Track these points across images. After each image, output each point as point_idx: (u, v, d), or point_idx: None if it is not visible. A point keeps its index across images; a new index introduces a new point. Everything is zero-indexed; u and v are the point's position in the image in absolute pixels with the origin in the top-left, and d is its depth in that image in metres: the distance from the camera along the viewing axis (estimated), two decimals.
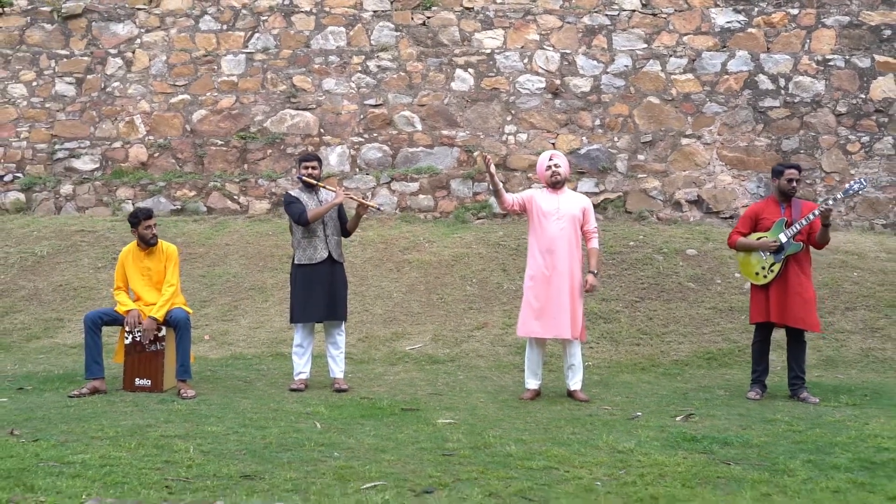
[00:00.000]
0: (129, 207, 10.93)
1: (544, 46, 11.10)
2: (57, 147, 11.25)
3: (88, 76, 11.31)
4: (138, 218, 6.42)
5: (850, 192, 6.54)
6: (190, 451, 4.45)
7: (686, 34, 11.00)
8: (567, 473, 4.17)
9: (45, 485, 3.76)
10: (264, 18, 11.29)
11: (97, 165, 11.23)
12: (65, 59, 11.35)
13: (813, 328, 6.44)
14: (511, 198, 6.45)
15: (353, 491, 3.79)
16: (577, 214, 6.36)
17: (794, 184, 6.51)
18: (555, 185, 6.39)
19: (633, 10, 11.07)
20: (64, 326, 8.47)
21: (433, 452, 4.55)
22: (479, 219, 10.74)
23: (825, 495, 3.87)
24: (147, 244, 6.46)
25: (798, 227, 6.35)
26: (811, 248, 6.52)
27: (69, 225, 10.49)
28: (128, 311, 6.37)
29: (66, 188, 11.11)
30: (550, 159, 6.44)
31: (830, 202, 6.36)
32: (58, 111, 11.30)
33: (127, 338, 6.37)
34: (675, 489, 3.92)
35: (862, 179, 6.64)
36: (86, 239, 10.12)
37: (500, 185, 6.41)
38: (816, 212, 6.32)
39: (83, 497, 3.58)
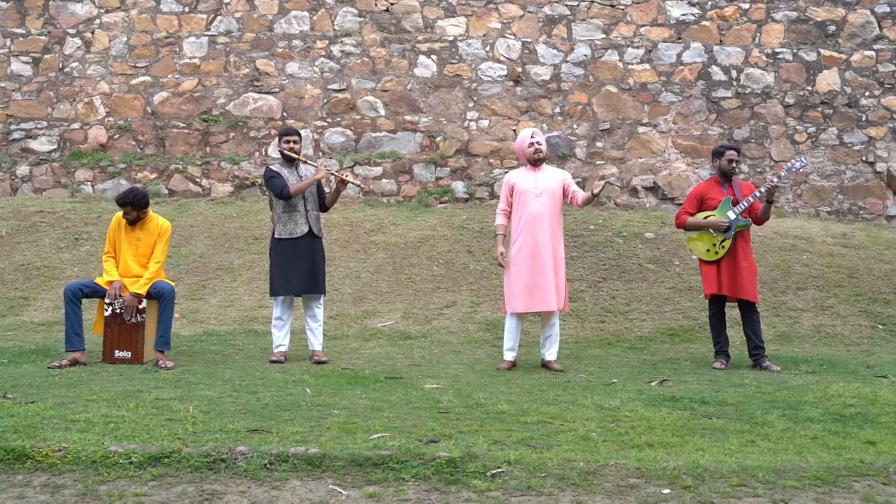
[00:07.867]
0: (88, 189, 10.81)
1: (506, 35, 11.30)
2: (13, 127, 11.04)
3: (45, 56, 11.13)
4: (119, 205, 6.41)
5: (793, 169, 6.88)
6: (190, 410, 4.51)
7: (643, 26, 11.33)
8: (562, 426, 4.36)
9: (57, 437, 3.80)
10: (227, 1, 11.25)
11: (55, 147, 11.06)
12: (21, 38, 11.15)
13: (755, 299, 6.80)
14: (503, 217, 6.65)
15: (362, 441, 3.91)
16: (555, 189, 6.55)
17: (734, 164, 6.87)
18: (536, 161, 6.58)
19: (593, 2, 11.34)
20: (30, 305, 8.36)
21: (429, 411, 4.70)
22: (441, 203, 10.89)
23: (805, 441, 4.13)
24: (130, 224, 6.48)
25: (745, 205, 6.70)
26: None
27: (27, 206, 10.32)
28: (110, 283, 6.36)
29: (23, 169, 10.92)
30: (532, 136, 6.62)
31: (775, 179, 6.72)
32: (13, 91, 11.09)
33: (106, 309, 6.36)
34: (667, 437, 4.14)
35: (803, 158, 7.00)
36: (45, 220, 9.98)
37: (502, 239, 6.64)
38: (763, 189, 6.67)
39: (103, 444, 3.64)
